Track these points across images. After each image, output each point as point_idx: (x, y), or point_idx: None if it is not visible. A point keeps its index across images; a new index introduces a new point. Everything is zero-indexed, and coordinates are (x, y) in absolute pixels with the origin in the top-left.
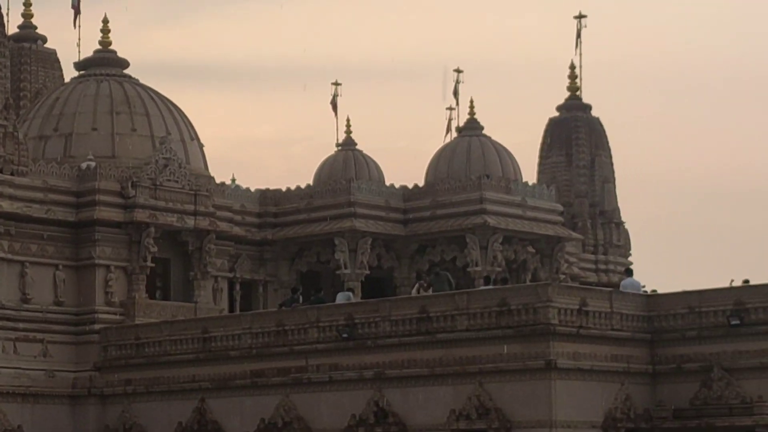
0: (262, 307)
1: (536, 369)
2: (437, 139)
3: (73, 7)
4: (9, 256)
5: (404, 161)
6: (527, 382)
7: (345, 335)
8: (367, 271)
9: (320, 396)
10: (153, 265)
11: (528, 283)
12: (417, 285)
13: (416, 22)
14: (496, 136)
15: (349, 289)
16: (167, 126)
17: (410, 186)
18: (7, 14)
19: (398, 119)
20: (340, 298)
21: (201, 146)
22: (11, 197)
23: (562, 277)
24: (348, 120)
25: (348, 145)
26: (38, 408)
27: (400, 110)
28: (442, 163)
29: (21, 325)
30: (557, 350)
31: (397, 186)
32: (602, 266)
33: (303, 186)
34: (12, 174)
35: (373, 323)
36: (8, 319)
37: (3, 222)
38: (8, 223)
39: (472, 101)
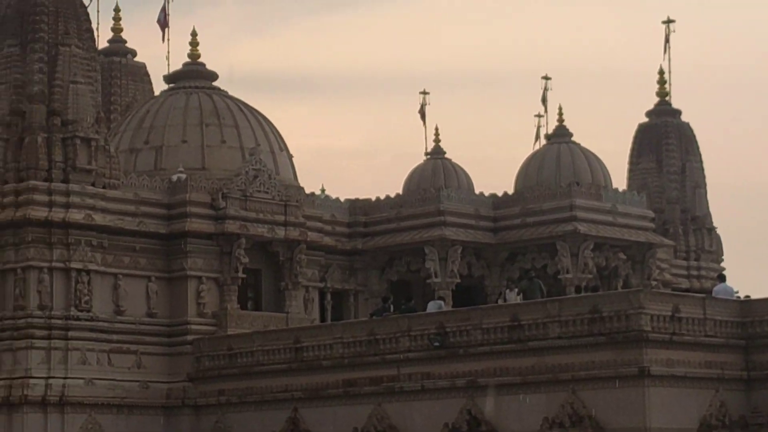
0: (353, 316)
1: (629, 376)
2: (526, 146)
3: (159, 22)
4: (102, 268)
5: (493, 169)
6: (620, 389)
7: (436, 344)
8: (458, 280)
9: (413, 405)
10: (244, 275)
11: (620, 290)
12: (507, 290)
13: (503, 29)
14: (585, 143)
15: (440, 298)
16: (256, 137)
17: (500, 194)
18: (97, 29)
19: (487, 127)
20: (431, 306)
21: (290, 157)
22: (104, 210)
23: (654, 283)
24: (436, 129)
25: (437, 153)
26: (133, 419)
27: (488, 118)
28: (531, 170)
29: (115, 337)
30: (650, 357)
31: (486, 194)
32: (694, 272)
33: (392, 195)
34: (104, 187)
35: (464, 332)
36: (102, 331)
37: (96, 235)
38: (101, 236)
39: (560, 108)
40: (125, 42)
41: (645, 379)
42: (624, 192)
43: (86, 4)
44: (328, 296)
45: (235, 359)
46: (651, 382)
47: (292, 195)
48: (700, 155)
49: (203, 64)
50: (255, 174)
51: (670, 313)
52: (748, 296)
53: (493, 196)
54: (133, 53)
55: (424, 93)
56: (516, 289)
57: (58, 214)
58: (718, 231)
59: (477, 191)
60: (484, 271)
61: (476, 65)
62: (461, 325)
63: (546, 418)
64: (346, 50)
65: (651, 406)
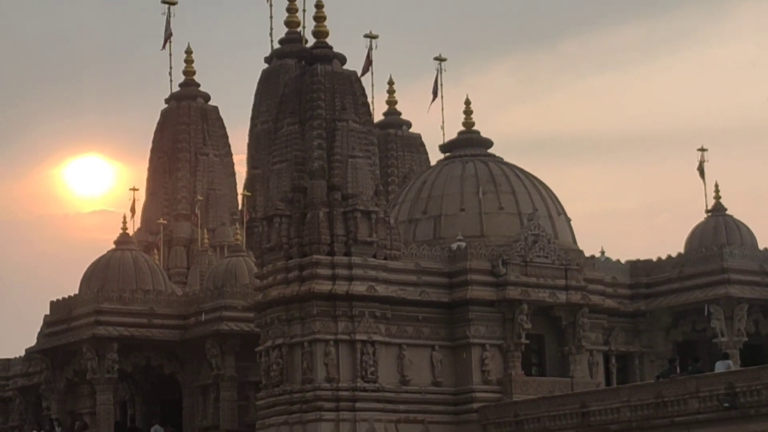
0: (638, 379)
1: None
2: None
3: (433, 93)
4: (387, 339)
5: None
6: None
7: (726, 404)
8: (745, 338)
9: None
10: (527, 341)
11: None
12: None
13: None
14: None
15: (727, 357)
16: (534, 202)
17: None
18: (372, 102)
19: None
20: (719, 366)
21: (568, 221)
22: (386, 281)
23: None
24: (716, 185)
25: (718, 210)
26: None
27: None
28: None
29: (401, 407)
30: None
31: None
32: None
33: (673, 255)
34: (385, 258)
35: (755, 391)
36: (389, 402)
37: (379, 306)
38: (384, 307)
39: None
40: (400, 114)
41: None
42: None
43: (360, 76)
44: (613, 359)
45: (522, 426)
46: None
47: (572, 259)
48: None
49: (477, 132)
50: (534, 239)
51: None
52: None
53: None
54: (408, 124)
55: (702, 150)
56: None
57: (341, 287)
58: None
59: (761, 247)
60: None
61: (754, 119)
62: (751, 384)
63: None
64: (618, 110)
65: None
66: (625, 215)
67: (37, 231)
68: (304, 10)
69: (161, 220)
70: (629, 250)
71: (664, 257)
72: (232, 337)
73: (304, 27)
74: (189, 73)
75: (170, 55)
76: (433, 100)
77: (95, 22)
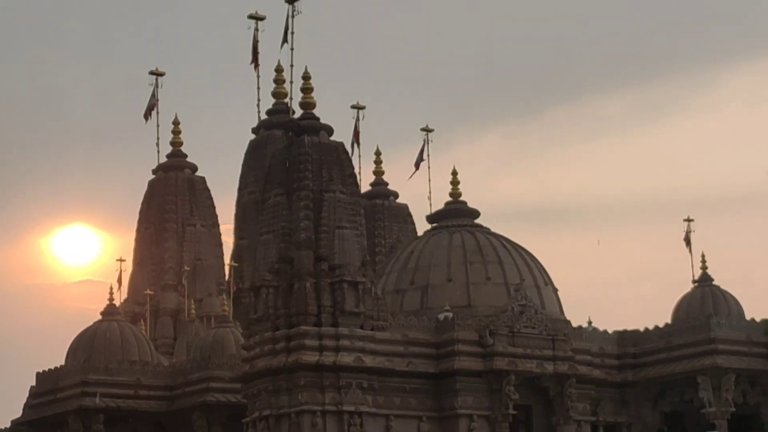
0: None
1: None
2: None
3: (415, 165)
4: (374, 410)
5: (764, 293)
6: None
7: None
8: (733, 408)
9: None
10: (515, 412)
11: None
12: None
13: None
14: None
15: (714, 427)
16: (521, 273)
17: None
18: (359, 172)
19: (754, 250)
20: None
21: (555, 290)
22: (373, 352)
23: None
24: (703, 256)
25: (704, 281)
26: None
27: (755, 241)
28: None
29: None
30: None
31: (758, 320)
32: None
33: (660, 324)
34: (372, 329)
35: None
36: None
37: (366, 377)
38: (371, 378)
39: None
40: (387, 184)
41: None
42: None
43: (349, 152)
44: (601, 430)
45: None
46: None
47: (559, 329)
48: None
49: (464, 203)
50: (521, 310)
51: None
52: None
53: (766, 321)
54: (395, 195)
55: (689, 220)
56: None
57: (328, 358)
58: None
59: (748, 317)
60: (760, 398)
61: (740, 188)
62: None
63: None
64: (605, 180)
65: None
66: (612, 284)
67: (24, 301)
68: (291, 81)
69: (148, 291)
70: (616, 319)
71: (651, 327)
72: (218, 409)
73: (291, 98)
74: (176, 143)
75: (157, 125)
76: (415, 171)
77: (84, 92)
